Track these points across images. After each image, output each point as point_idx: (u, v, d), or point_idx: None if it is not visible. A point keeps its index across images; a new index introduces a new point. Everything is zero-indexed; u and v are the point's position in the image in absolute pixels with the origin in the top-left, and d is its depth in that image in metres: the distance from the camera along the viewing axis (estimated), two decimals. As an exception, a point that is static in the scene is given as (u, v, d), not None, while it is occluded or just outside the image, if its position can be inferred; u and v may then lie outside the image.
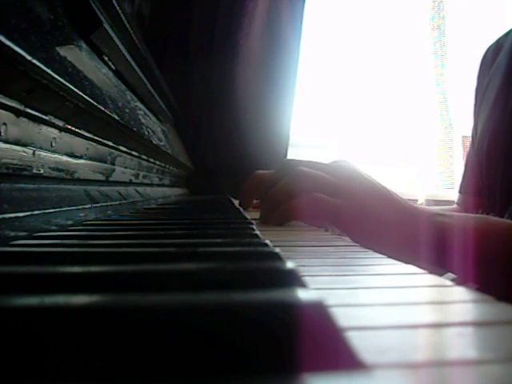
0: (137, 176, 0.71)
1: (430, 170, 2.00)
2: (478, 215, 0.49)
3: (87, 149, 0.47)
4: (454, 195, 1.82)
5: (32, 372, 0.10)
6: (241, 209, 0.64)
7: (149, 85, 0.83)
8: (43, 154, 0.36)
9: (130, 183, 0.67)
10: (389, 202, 0.48)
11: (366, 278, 0.23)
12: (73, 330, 0.10)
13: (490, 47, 0.89)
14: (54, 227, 0.33)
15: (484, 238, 0.42)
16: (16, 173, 0.31)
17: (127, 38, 0.66)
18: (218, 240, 0.26)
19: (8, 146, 0.30)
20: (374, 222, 0.46)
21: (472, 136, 0.90)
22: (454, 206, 0.92)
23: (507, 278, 0.40)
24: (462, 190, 0.91)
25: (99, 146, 0.50)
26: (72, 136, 0.42)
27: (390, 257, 0.29)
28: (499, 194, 0.74)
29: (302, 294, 0.12)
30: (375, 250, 0.47)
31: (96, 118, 0.44)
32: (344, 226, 0.47)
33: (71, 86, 0.35)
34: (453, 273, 0.43)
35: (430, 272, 0.23)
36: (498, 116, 0.76)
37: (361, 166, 0.52)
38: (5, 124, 0.29)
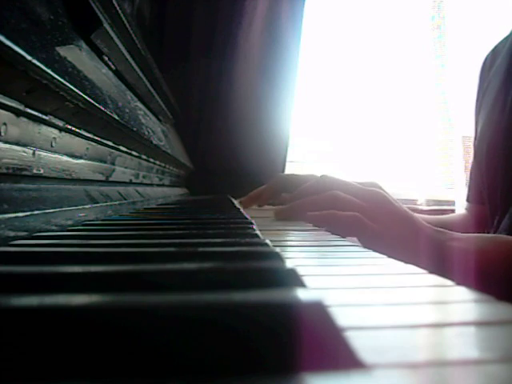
0: (137, 176, 0.71)
1: (430, 170, 2.00)
2: (489, 235, 0.53)
3: (87, 149, 0.47)
4: (454, 195, 1.82)
5: (32, 372, 0.10)
6: (241, 208, 0.65)
7: (149, 85, 0.83)
8: (43, 154, 0.36)
9: (130, 183, 0.67)
10: (410, 229, 0.52)
11: (366, 277, 0.23)
12: (73, 330, 0.10)
13: (487, 55, 0.92)
14: (54, 227, 0.33)
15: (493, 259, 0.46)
16: (16, 173, 0.31)
17: (127, 38, 0.66)
18: (218, 240, 0.26)
19: (8, 146, 0.30)
20: (396, 249, 0.49)
21: (474, 145, 0.92)
22: (464, 211, 0.98)
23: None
24: (469, 199, 0.97)
25: (99, 146, 0.50)
26: (72, 136, 0.42)
27: (390, 257, 0.29)
28: (499, 196, 0.75)
29: (302, 294, 0.12)
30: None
31: (96, 118, 0.44)
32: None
33: (71, 86, 0.35)
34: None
35: (430, 272, 0.23)
36: (497, 118, 0.76)
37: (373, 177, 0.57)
38: (5, 124, 0.29)
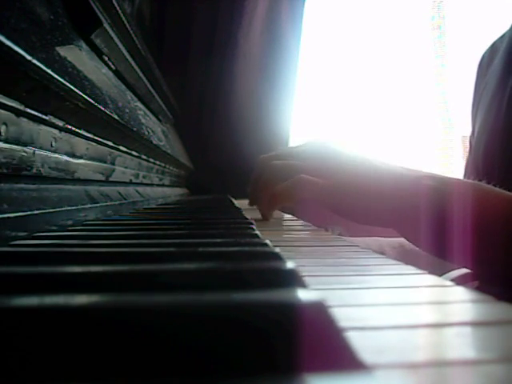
0: (137, 176, 0.71)
1: (429, 170, 2.00)
2: (475, 182, 0.45)
3: (87, 149, 0.47)
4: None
5: (33, 372, 0.10)
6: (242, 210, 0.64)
7: (149, 85, 0.83)
8: (43, 153, 0.36)
9: (130, 183, 0.67)
10: (371, 174, 0.45)
11: (365, 277, 0.23)
12: (73, 331, 0.10)
13: (485, 52, 0.90)
14: (53, 227, 0.33)
15: (483, 210, 0.40)
16: (16, 173, 0.31)
17: (127, 38, 0.66)
18: (218, 240, 0.26)
19: (8, 145, 0.30)
20: (359, 197, 0.44)
21: (470, 141, 0.91)
22: None
23: (507, 254, 0.39)
24: None
25: (99, 146, 0.50)
26: (72, 136, 0.42)
27: (389, 257, 0.29)
28: None
29: (303, 294, 0.12)
30: (373, 225, 0.46)
31: (96, 118, 0.44)
32: (333, 205, 0.46)
33: (71, 86, 0.35)
34: (445, 246, 0.41)
35: (430, 272, 0.23)
36: (494, 117, 0.76)
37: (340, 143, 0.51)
38: (5, 124, 0.29)
